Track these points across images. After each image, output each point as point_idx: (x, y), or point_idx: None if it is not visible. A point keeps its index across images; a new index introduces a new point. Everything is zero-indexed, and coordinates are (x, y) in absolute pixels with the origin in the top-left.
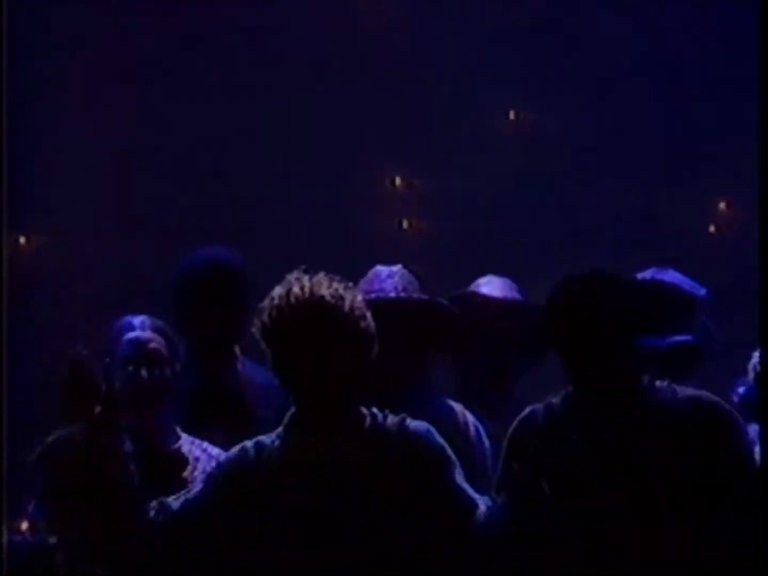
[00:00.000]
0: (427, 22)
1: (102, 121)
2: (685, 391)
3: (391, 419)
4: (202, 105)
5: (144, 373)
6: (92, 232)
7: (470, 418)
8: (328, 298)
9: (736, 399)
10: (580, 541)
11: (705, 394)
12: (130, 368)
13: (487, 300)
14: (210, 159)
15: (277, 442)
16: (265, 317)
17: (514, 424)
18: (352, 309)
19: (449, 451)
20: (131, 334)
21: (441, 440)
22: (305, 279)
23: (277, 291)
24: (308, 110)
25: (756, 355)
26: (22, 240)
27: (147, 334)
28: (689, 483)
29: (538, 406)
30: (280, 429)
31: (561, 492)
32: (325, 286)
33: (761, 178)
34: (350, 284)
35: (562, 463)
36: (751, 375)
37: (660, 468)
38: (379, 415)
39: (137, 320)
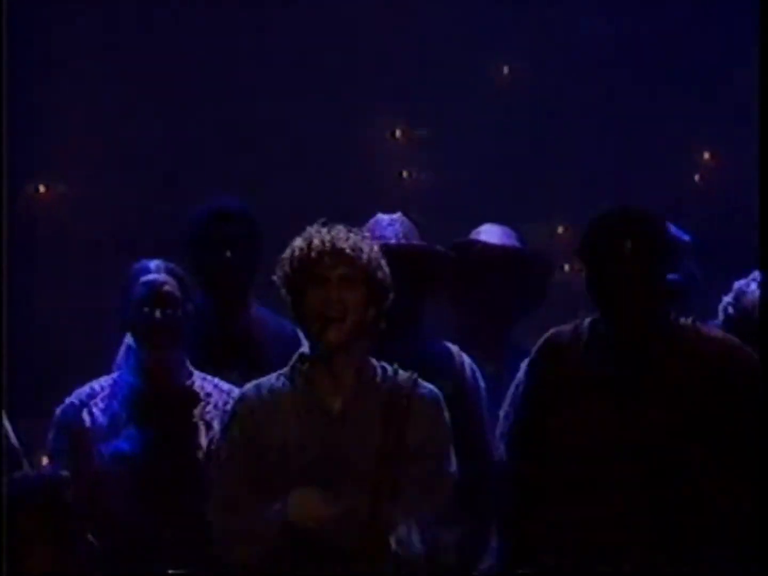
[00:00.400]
0: None
1: (110, 68)
2: (708, 330)
3: (403, 375)
4: (210, 51)
5: (158, 313)
6: (104, 180)
7: (466, 359)
8: (347, 249)
9: None
10: (592, 462)
11: (728, 335)
12: (146, 309)
13: (486, 247)
14: (219, 108)
15: (288, 384)
16: (286, 266)
17: (539, 342)
18: (369, 260)
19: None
20: (147, 277)
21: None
22: (325, 230)
23: (298, 242)
24: (316, 64)
25: (726, 299)
26: (41, 189)
27: (162, 276)
28: (711, 417)
29: (565, 327)
30: (287, 370)
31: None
32: (344, 237)
33: (761, 176)
34: (367, 235)
35: (584, 384)
36: (720, 316)
37: (682, 401)
38: (390, 369)
39: (153, 264)
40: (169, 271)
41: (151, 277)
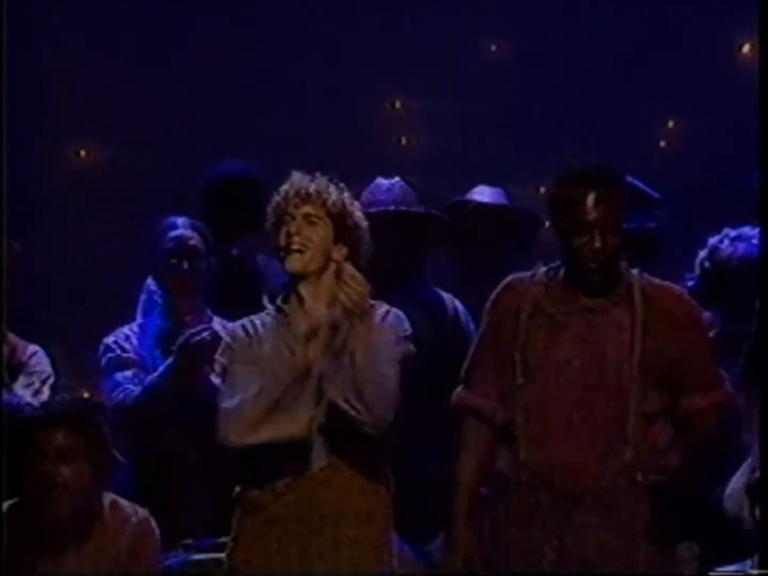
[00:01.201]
0: None
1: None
2: (654, 280)
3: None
4: (223, 24)
5: (185, 265)
6: (133, 145)
7: (459, 305)
8: (312, 192)
9: (685, 290)
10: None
11: (672, 285)
12: (173, 261)
13: (479, 205)
14: (233, 80)
15: (272, 313)
16: (270, 209)
17: (499, 286)
18: (335, 202)
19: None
20: (175, 232)
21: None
22: (300, 178)
23: (284, 187)
24: (322, 39)
25: (702, 254)
26: (83, 153)
27: (188, 232)
28: (659, 360)
29: (523, 274)
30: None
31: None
32: (312, 183)
33: (761, 172)
34: (341, 184)
35: (540, 321)
36: (697, 270)
37: (618, 341)
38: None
39: (180, 220)
40: (193, 227)
41: (178, 232)
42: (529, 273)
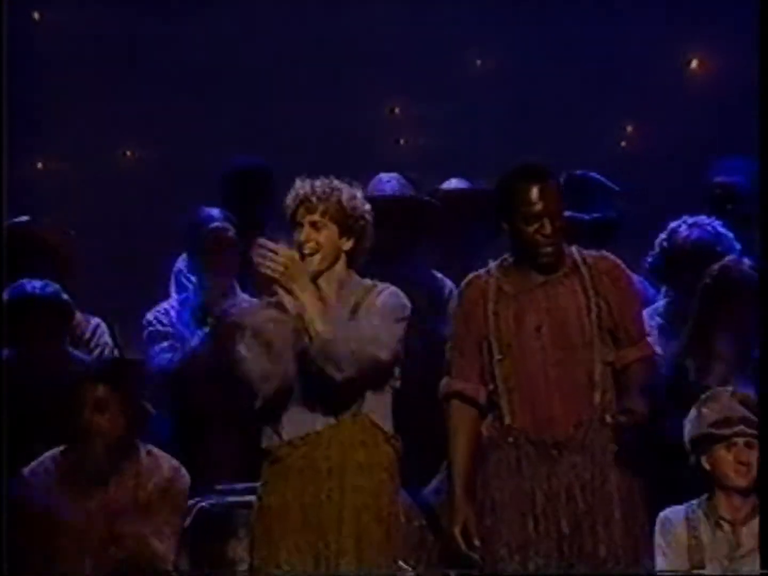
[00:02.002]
0: None
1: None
2: (589, 251)
3: (367, 282)
4: (230, 25)
5: (222, 253)
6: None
7: (448, 282)
8: (314, 199)
9: (646, 266)
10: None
11: (604, 252)
12: (213, 248)
13: (446, 192)
14: (247, 89)
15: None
16: (286, 211)
17: (461, 286)
18: (338, 202)
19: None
20: (215, 224)
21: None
22: (303, 183)
23: (299, 183)
24: (330, 57)
25: (661, 236)
26: (128, 153)
27: (225, 224)
28: (609, 315)
29: (479, 271)
30: None
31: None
32: (314, 189)
33: (761, 170)
34: (357, 184)
35: (499, 299)
36: (656, 249)
37: (576, 305)
38: (367, 281)
39: (215, 212)
40: (228, 219)
41: (218, 224)
42: (483, 270)
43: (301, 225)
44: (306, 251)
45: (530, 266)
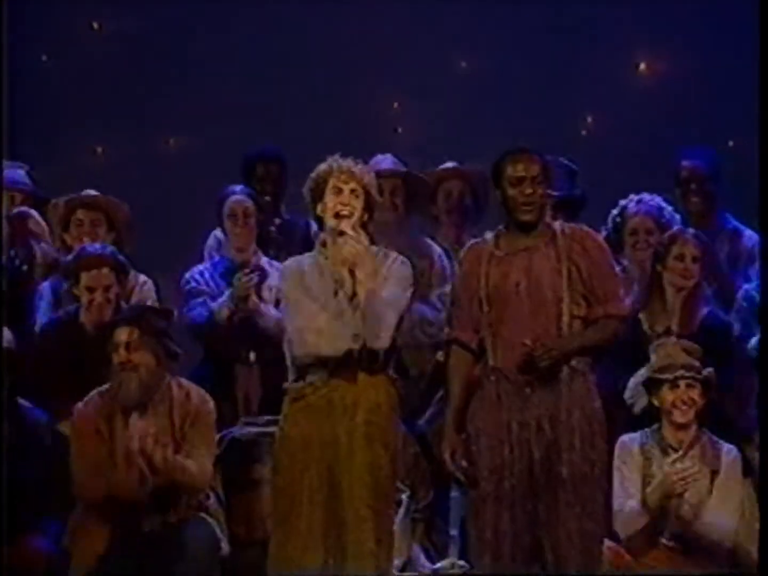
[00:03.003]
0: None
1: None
2: (569, 224)
3: (377, 249)
4: (238, 27)
5: (241, 222)
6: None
7: (439, 249)
8: (356, 172)
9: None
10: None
11: (582, 225)
12: (235, 217)
13: (443, 171)
14: (269, 80)
15: (311, 255)
16: (314, 180)
17: (463, 251)
18: (368, 181)
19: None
20: (236, 197)
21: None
22: (341, 160)
23: (323, 166)
24: (339, 59)
25: (614, 212)
26: (171, 142)
27: (244, 197)
28: (579, 278)
29: (478, 239)
30: (315, 250)
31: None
32: (354, 165)
33: (761, 171)
34: (368, 168)
35: (493, 259)
36: (609, 223)
37: (550, 267)
38: (377, 249)
39: (238, 188)
40: (248, 194)
41: (239, 197)
42: (481, 238)
43: (340, 190)
44: (344, 212)
45: (516, 230)
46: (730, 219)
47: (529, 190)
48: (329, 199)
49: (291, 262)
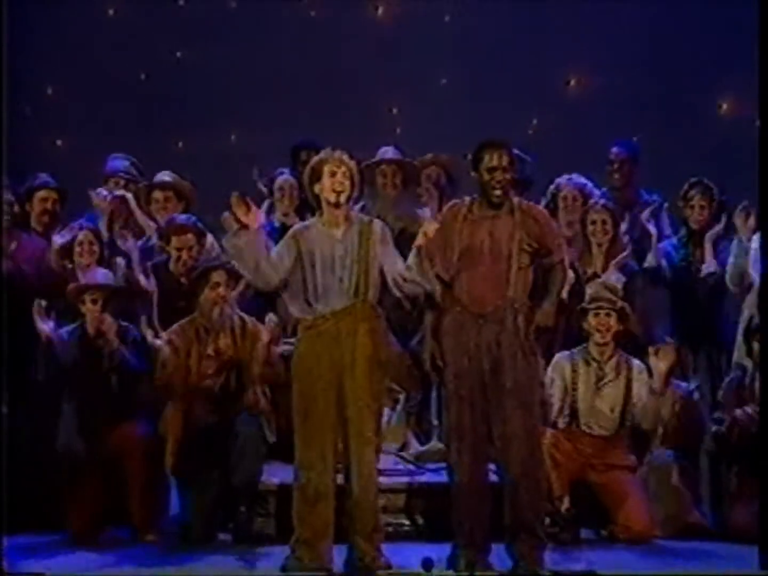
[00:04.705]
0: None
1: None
2: (525, 201)
3: (365, 217)
4: (241, 35)
5: (291, 195)
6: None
7: (427, 216)
8: (346, 159)
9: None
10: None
11: (533, 203)
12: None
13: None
14: (262, 73)
15: (316, 219)
16: (312, 165)
17: (445, 208)
18: (356, 166)
19: None
20: (283, 176)
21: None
22: (334, 150)
23: (321, 154)
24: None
25: (551, 187)
26: (232, 137)
27: (290, 176)
28: (528, 240)
29: (458, 200)
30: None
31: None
32: (344, 154)
33: (761, 178)
34: (352, 157)
35: (465, 222)
36: (548, 196)
37: (507, 232)
38: (364, 217)
39: (286, 170)
40: (294, 175)
41: (286, 176)
42: (461, 200)
43: (335, 173)
44: (340, 189)
45: (486, 203)
46: (642, 193)
47: (500, 177)
48: (326, 179)
49: (300, 224)
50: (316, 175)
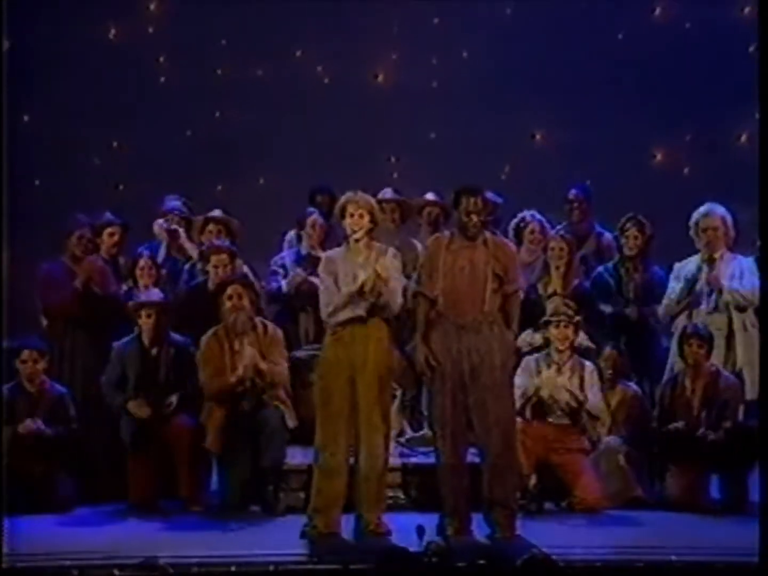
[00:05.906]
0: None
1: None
2: (496, 236)
3: (383, 246)
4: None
5: (319, 230)
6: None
7: (420, 245)
8: (361, 202)
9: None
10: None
11: (503, 238)
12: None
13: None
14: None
15: (344, 249)
16: (337, 208)
17: (430, 239)
18: (372, 206)
19: None
20: (312, 216)
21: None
22: (353, 193)
23: (342, 198)
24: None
25: (515, 221)
26: (261, 180)
27: (318, 216)
28: (497, 269)
29: (441, 233)
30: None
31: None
32: (361, 196)
33: (761, 173)
34: (371, 197)
35: (450, 250)
36: (512, 231)
37: (482, 259)
38: (381, 246)
39: (315, 209)
40: (321, 214)
41: (315, 216)
42: (445, 232)
43: (352, 215)
44: (356, 228)
45: (465, 235)
46: (596, 226)
47: (475, 219)
48: (347, 219)
49: (329, 252)
50: (341, 214)
